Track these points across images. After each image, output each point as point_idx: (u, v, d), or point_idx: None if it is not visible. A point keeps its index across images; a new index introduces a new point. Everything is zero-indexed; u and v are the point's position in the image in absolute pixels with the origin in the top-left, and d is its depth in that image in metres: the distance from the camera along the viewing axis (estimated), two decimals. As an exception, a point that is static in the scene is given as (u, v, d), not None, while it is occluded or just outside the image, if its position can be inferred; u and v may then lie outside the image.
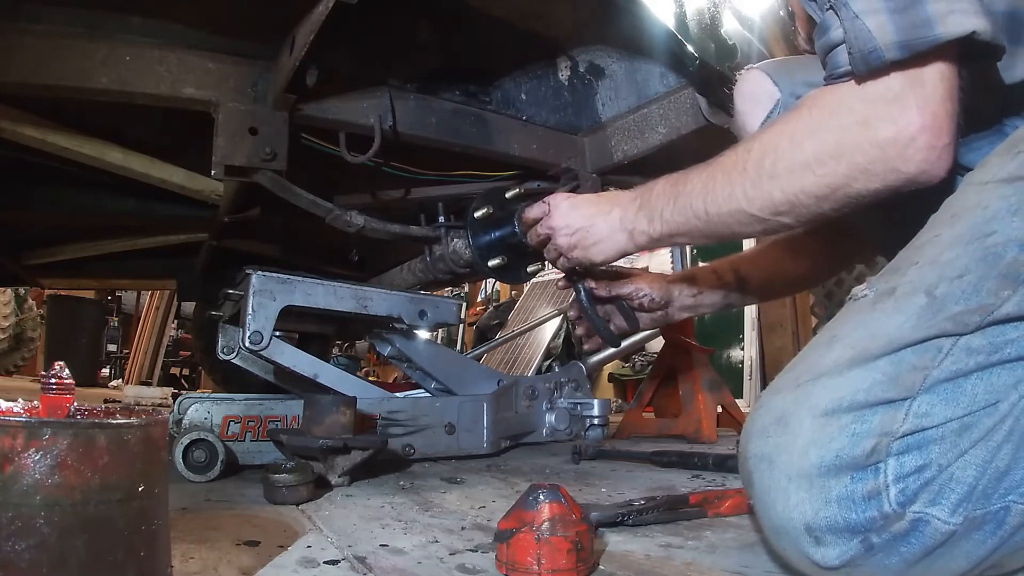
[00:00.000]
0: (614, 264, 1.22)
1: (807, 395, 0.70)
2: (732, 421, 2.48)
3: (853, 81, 0.76)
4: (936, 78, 0.72)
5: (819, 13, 0.78)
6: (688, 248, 3.55)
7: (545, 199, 1.22)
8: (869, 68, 0.73)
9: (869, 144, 0.75)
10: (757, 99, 1.10)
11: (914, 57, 0.71)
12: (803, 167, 0.80)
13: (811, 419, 0.68)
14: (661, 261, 4.93)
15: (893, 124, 0.73)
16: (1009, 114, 0.84)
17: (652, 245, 1.08)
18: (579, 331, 1.40)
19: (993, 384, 0.66)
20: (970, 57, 0.74)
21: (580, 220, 1.14)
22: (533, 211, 1.26)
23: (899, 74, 0.73)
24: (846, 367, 0.69)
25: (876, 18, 0.72)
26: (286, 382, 1.79)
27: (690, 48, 1.38)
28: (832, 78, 0.79)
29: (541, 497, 0.75)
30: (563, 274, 1.31)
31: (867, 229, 1.12)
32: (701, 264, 1.42)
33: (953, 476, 0.64)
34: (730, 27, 1.41)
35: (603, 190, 1.97)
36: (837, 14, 0.75)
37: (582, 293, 1.30)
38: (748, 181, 0.85)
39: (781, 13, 1.15)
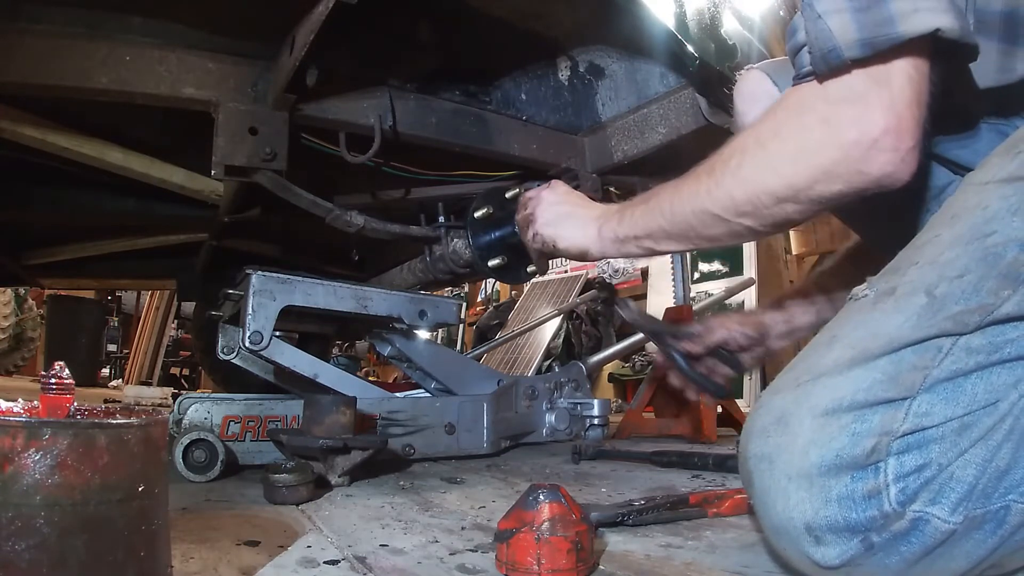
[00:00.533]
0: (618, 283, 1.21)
1: (807, 395, 0.70)
2: (732, 421, 2.49)
3: (815, 81, 0.76)
4: (902, 79, 0.71)
5: (791, 9, 0.78)
6: (687, 255, 3.54)
7: (546, 184, 1.24)
8: (829, 67, 0.73)
9: (832, 145, 0.74)
10: (756, 99, 1.09)
11: (877, 56, 0.71)
12: (766, 167, 0.79)
13: (811, 419, 0.68)
14: (661, 264, 4.92)
15: (856, 125, 0.72)
16: (1010, 114, 0.84)
17: (619, 247, 1.05)
18: (687, 392, 1.31)
19: (993, 383, 0.66)
20: (941, 57, 0.73)
21: (565, 203, 1.16)
22: (532, 190, 1.27)
23: (862, 72, 0.72)
24: (846, 367, 0.69)
25: (839, 17, 0.71)
26: (286, 382, 1.79)
27: (690, 48, 1.38)
28: (798, 78, 0.78)
29: (541, 497, 0.75)
30: (657, 348, 1.25)
31: (871, 232, 1.11)
32: (785, 292, 1.37)
33: (953, 475, 0.64)
34: (730, 27, 1.41)
35: (603, 190, 1.97)
36: (803, 14, 0.74)
37: (679, 359, 1.21)
38: (713, 181, 0.85)
39: (781, 13, 1.15)
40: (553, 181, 1.24)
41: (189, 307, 4.69)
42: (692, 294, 3.87)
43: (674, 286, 3.25)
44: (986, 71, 0.79)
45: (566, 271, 6.11)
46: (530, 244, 1.24)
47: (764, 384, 4.08)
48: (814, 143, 0.75)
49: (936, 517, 0.64)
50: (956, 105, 0.78)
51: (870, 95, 0.72)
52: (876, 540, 0.64)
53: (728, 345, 1.26)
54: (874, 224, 1.07)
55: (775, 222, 0.83)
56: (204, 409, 1.49)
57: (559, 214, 1.16)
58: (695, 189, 0.88)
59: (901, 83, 0.71)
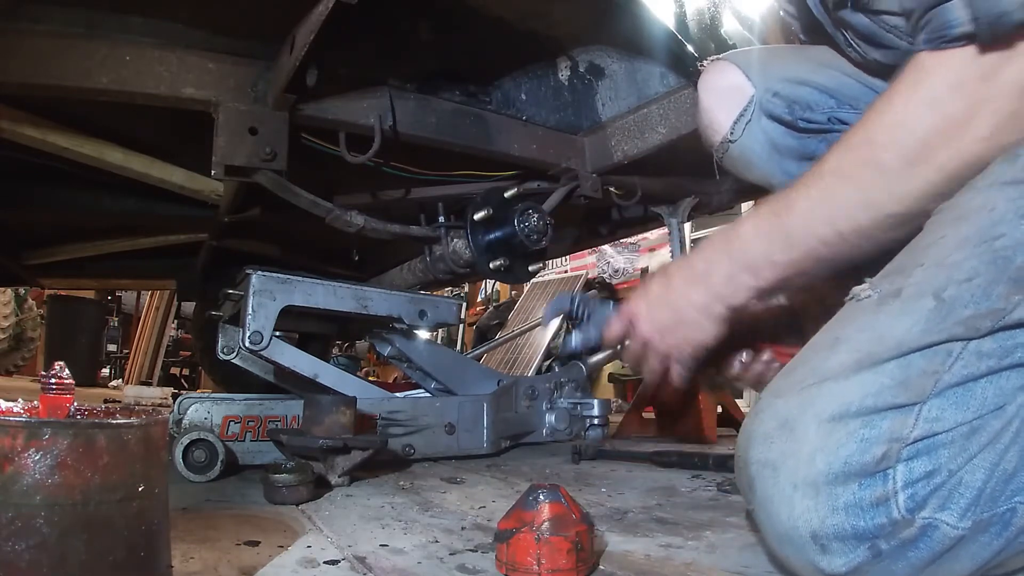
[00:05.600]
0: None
1: (812, 399, 0.68)
2: (732, 421, 2.48)
3: (974, 47, 0.68)
4: None
5: None
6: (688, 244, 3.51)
7: (623, 310, 1.01)
8: (994, 36, 0.66)
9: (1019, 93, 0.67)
10: (726, 94, 1.05)
11: None
12: (956, 131, 0.70)
13: (817, 425, 0.66)
14: (662, 258, 4.92)
15: None
16: None
17: (758, 297, 0.88)
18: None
19: (1002, 387, 0.65)
20: None
21: (667, 316, 0.94)
22: (614, 328, 1.03)
23: None
24: (852, 371, 0.67)
25: None
26: (286, 382, 1.79)
27: (690, 48, 1.39)
28: (945, 41, 0.69)
29: (541, 497, 0.75)
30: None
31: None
32: None
33: (962, 480, 0.63)
34: (730, 27, 1.41)
35: (603, 190, 1.97)
36: None
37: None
38: (891, 174, 0.73)
39: (781, 13, 1.13)
40: (633, 307, 0.98)
41: (189, 307, 4.68)
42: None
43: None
44: None
45: (566, 271, 6.11)
46: (679, 376, 0.98)
47: (764, 384, 4.08)
48: (1000, 93, 0.68)
49: (945, 523, 0.63)
50: None
51: None
52: (884, 548, 0.63)
53: (774, 341, 1.08)
54: None
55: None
56: (204, 409, 1.49)
57: (676, 333, 0.93)
58: (866, 195, 0.75)
59: None
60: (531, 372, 4.73)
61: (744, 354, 1.06)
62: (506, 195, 1.71)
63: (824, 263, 0.80)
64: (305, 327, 2.21)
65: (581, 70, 1.87)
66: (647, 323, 0.96)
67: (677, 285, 0.93)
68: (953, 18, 0.67)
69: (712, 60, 1.08)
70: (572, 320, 1.16)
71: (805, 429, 0.67)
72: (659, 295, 0.96)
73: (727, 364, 1.07)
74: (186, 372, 7.54)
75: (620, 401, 4.84)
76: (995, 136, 0.70)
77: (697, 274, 0.90)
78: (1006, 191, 0.69)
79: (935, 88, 0.72)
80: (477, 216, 1.68)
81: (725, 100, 1.06)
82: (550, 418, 1.99)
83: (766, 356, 1.07)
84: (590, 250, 5.84)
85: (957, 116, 0.71)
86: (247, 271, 1.54)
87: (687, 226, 2.50)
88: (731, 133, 1.06)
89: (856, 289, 0.75)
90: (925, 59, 0.72)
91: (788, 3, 1.03)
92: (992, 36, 0.67)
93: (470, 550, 0.89)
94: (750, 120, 1.04)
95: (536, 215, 1.77)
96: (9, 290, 6.91)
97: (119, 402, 3.89)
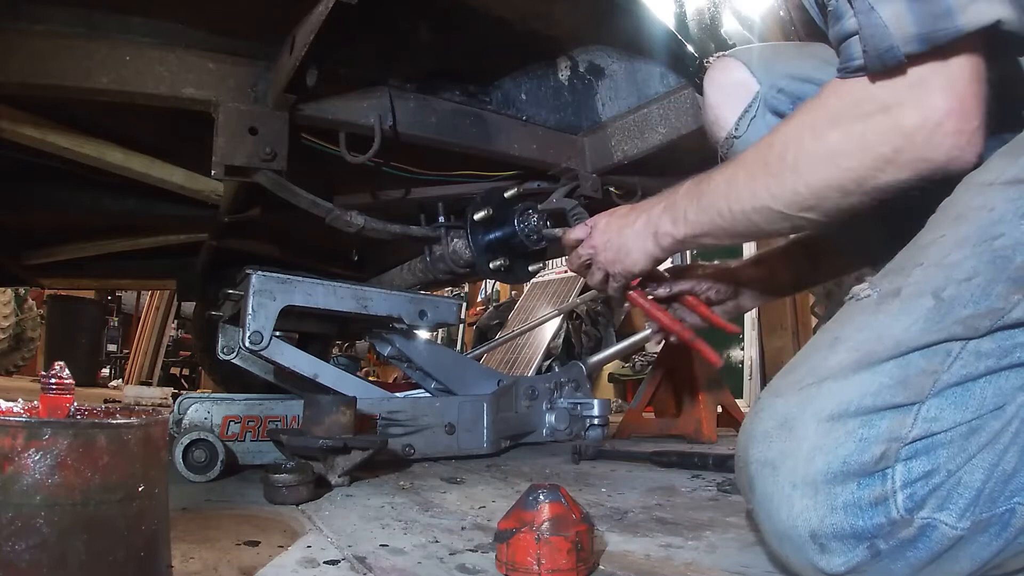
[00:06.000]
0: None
1: (811, 399, 0.68)
2: (732, 421, 2.48)
3: (867, 78, 0.73)
4: (962, 60, 0.68)
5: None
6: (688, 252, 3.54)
7: (587, 221, 1.19)
8: (884, 66, 0.70)
9: (894, 132, 0.71)
10: (731, 90, 1.06)
11: (934, 50, 0.68)
12: (826, 160, 0.76)
13: (816, 424, 0.66)
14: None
15: (918, 109, 0.70)
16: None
17: (679, 247, 1.04)
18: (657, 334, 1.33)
19: (1001, 387, 0.65)
20: (995, 49, 0.70)
21: (614, 234, 1.11)
22: (575, 232, 1.20)
23: (919, 66, 0.69)
24: (851, 370, 0.67)
25: (892, 7, 0.68)
26: (286, 382, 1.79)
27: (690, 48, 1.39)
28: (847, 72, 0.74)
29: (541, 497, 0.75)
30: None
31: (859, 242, 1.09)
32: (768, 249, 1.33)
33: (961, 481, 0.63)
34: (730, 27, 1.41)
35: (603, 190, 1.97)
36: (851, 3, 0.70)
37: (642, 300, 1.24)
38: (771, 177, 0.82)
39: (781, 13, 1.13)
40: (593, 223, 1.17)
41: (189, 307, 4.69)
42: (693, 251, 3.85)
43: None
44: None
45: (566, 271, 6.10)
46: (602, 286, 1.20)
47: (764, 384, 4.09)
48: (875, 132, 0.73)
49: (944, 523, 0.63)
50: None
51: (930, 78, 0.69)
52: (883, 547, 0.64)
53: (697, 295, 1.26)
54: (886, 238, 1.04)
55: (839, 213, 0.80)
56: (204, 409, 1.49)
57: (615, 248, 1.12)
58: (752, 188, 0.85)
59: (960, 64, 0.69)
60: (531, 372, 4.73)
61: (664, 288, 1.25)
62: (506, 195, 1.71)
63: (723, 231, 0.93)
64: (305, 327, 2.21)
65: (581, 70, 1.87)
66: (599, 235, 1.14)
67: (629, 217, 1.10)
68: (854, 51, 0.73)
69: (717, 57, 1.11)
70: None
71: (804, 428, 0.67)
72: (615, 219, 1.12)
73: (650, 288, 1.24)
74: (186, 372, 7.53)
75: (620, 401, 4.85)
76: (857, 170, 0.75)
77: (643, 212, 1.07)
78: (1006, 191, 0.69)
79: (818, 113, 0.79)
80: (477, 216, 1.68)
81: (730, 96, 1.07)
82: (550, 418, 1.99)
83: (683, 303, 1.25)
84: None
85: (828, 143, 0.77)
86: (247, 271, 1.54)
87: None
88: (736, 129, 1.07)
89: (855, 288, 0.75)
90: (828, 85, 0.79)
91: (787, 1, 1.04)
92: (883, 67, 0.70)
93: (470, 550, 0.89)
94: (755, 116, 1.05)
95: (536, 215, 1.77)
96: (9, 290, 6.91)
97: (119, 402, 3.89)
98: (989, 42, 0.70)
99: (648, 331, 2.15)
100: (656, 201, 1.05)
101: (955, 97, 0.69)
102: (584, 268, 1.20)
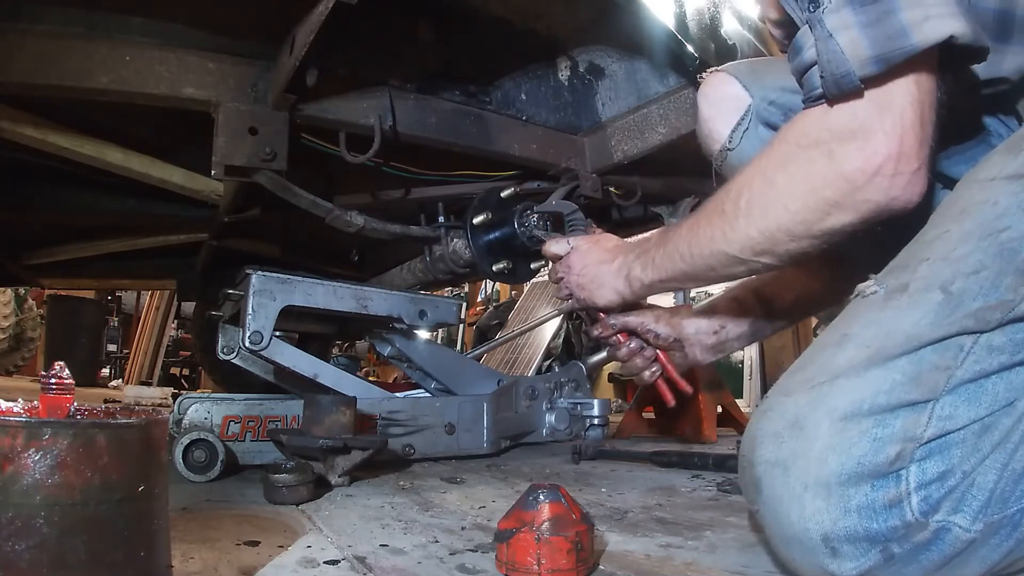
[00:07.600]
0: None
1: (823, 397, 0.67)
2: (732, 421, 2.48)
3: (826, 105, 0.73)
4: (906, 99, 0.69)
5: (799, 21, 0.74)
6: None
7: (570, 240, 1.23)
8: (841, 92, 0.70)
9: (837, 177, 0.72)
10: (724, 104, 1.07)
11: (889, 72, 0.68)
12: (776, 204, 0.78)
13: (829, 423, 0.65)
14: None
15: (859, 154, 0.70)
16: (987, 113, 0.82)
17: (647, 291, 1.08)
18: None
19: (1012, 383, 0.64)
20: (951, 62, 0.71)
21: (591, 264, 1.16)
22: (555, 247, 1.24)
23: (868, 95, 0.70)
24: (863, 367, 0.66)
25: (848, 34, 0.68)
26: (286, 382, 1.79)
27: (690, 48, 1.38)
28: (809, 101, 0.75)
29: (541, 497, 0.75)
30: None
31: (857, 254, 1.09)
32: (716, 294, 1.32)
33: (975, 482, 0.63)
34: (730, 27, 1.41)
35: (603, 190, 1.97)
36: (812, 31, 0.71)
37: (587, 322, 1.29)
38: (726, 222, 0.83)
39: (761, 23, 1.13)
40: (575, 244, 1.22)
41: (189, 307, 4.68)
42: (692, 294, 3.86)
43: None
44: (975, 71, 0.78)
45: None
46: (571, 307, 1.27)
47: (764, 384, 4.08)
48: (819, 177, 0.73)
49: (958, 526, 0.62)
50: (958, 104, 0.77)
51: (872, 122, 0.70)
52: (896, 551, 0.62)
53: (640, 334, 1.23)
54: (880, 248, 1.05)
55: (792, 257, 0.82)
56: (204, 409, 1.49)
57: (588, 278, 1.16)
58: (710, 233, 0.87)
59: (903, 105, 0.69)
60: (531, 372, 4.73)
61: (633, 342, 1.24)
62: (503, 195, 1.71)
63: (685, 275, 0.96)
64: (305, 327, 2.21)
65: (581, 70, 1.87)
66: (577, 259, 1.19)
67: (609, 254, 1.14)
68: (814, 81, 0.73)
69: (710, 72, 1.11)
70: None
71: (816, 427, 0.66)
72: (596, 250, 1.17)
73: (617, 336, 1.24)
74: (186, 372, 7.53)
75: (620, 401, 4.84)
76: (802, 212, 0.76)
77: (621, 254, 1.11)
78: (1008, 185, 0.69)
79: (771, 157, 0.79)
80: (476, 220, 1.68)
81: (723, 110, 1.08)
82: (550, 418, 1.99)
83: (648, 351, 1.24)
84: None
85: (776, 187, 0.78)
86: (247, 271, 1.54)
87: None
88: (729, 141, 1.08)
89: (861, 286, 0.75)
90: (791, 120, 0.79)
91: (771, 9, 1.03)
92: (839, 92, 0.71)
93: (470, 550, 0.89)
94: (747, 128, 1.06)
95: (536, 215, 1.77)
96: (9, 290, 6.91)
97: (119, 402, 3.89)
98: (942, 57, 0.70)
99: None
100: (633, 245, 1.11)
101: (896, 140, 0.69)
102: (555, 280, 1.25)
